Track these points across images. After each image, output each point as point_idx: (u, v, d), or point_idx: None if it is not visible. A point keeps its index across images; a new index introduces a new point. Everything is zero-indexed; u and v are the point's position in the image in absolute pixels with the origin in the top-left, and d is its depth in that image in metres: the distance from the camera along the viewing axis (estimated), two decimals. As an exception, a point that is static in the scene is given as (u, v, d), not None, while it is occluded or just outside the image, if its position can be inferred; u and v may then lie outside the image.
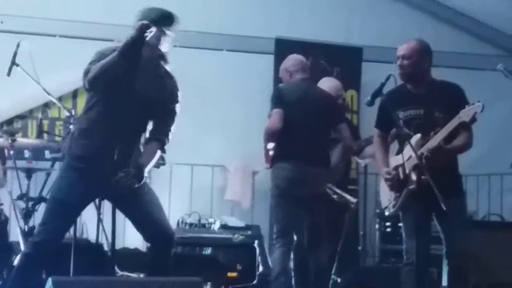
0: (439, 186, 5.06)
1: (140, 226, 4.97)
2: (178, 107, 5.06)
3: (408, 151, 5.34)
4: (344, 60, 8.95)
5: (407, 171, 5.35)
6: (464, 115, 5.13)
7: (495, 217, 8.21)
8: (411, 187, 5.32)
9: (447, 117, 5.27)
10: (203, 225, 7.85)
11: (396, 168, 5.46)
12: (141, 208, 4.90)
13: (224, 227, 7.75)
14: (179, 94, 5.10)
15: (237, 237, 7.42)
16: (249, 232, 7.63)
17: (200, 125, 8.59)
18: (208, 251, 7.67)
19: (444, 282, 5.45)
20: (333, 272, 6.78)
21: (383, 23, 9.12)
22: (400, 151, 5.51)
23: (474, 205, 8.65)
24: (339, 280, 6.84)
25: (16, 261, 5.50)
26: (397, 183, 5.43)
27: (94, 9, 8.27)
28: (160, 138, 4.99)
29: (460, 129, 5.24)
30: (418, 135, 5.34)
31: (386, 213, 5.68)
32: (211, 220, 7.90)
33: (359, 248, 7.56)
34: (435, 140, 5.21)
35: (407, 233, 5.46)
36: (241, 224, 7.82)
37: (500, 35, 9.45)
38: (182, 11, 8.48)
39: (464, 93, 5.47)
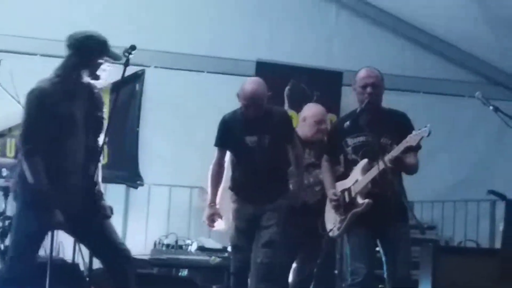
0: (385, 213, 5.24)
1: (99, 251, 5.02)
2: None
3: (354, 175, 5.51)
4: (324, 84, 8.98)
5: (353, 195, 5.50)
6: (411, 140, 5.23)
7: (471, 243, 8.23)
8: (356, 210, 5.45)
9: (393, 143, 5.44)
10: (180, 247, 7.82)
11: (342, 191, 5.61)
12: (99, 233, 4.93)
13: (201, 248, 7.72)
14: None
15: (214, 259, 7.39)
16: (226, 254, 7.60)
17: (179, 147, 8.59)
18: (184, 272, 7.65)
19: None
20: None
21: (364, 48, 9.16)
22: (345, 176, 5.66)
23: (450, 231, 8.71)
24: (314, 302, 6.85)
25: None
26: (342, 206, 5.57)
27: (75, 29, 8.24)
28: (100, 159, 5.07)
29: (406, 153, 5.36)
30: (365, 160, 5.47)
31: (330, 235, 5.78)
32: (188, 241, 7.88)
33: (335, 271, 7.56)
34: (385, 161, 5.27)
35: (353, 255, 5.56)
36: (218, 246, 7.79)
37: (479, 63, 9.52)
38: (164, 32, 8.67)
39: (410, 121, 5.60)
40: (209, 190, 6.26)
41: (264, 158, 6.02)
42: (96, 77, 4.97)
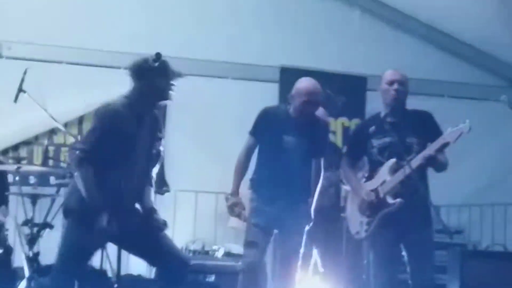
0: (410, 216, 5.23)
1: (157, 261, 5.06)
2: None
3: (381, 176, 5.49)
4: (349, 89, 8.97)
5: (381, 195, 5.46)
6: (449, 136, 5.24)
7: (498, 247, 8.21)
8: (387, 210, 5.41)
9: (420, 142, 5.45)
10: (207, 252, 7.86)
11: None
12: (156, 245, 4.98)
13: (228, 254, 7.75)
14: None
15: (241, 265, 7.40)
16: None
17: (205, 152, 8.62)
18: (211, 278, 7.66)
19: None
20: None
21: (387, 52, 9.14)
22: (370, 178, 5.63)
23: (477, 235, 8.67)
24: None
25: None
26: (371, 207, 5.52)
27: (100, 36, 8.31)
28: (152, 182, 5.12)
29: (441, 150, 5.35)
30: (393, 160, 5.45)
31: (357, 238, 5.72)
32: (214, 247, 7.91)
33: (364, 277, 7.55)
34: (417, 160, 5.28)
35: (376, 261, 5.58)
36: (244, 251, 7.81)
37: (503, 66, 9.49)
38: (188, 39, 8.70)
39: (433, 117, 5.62)
40: (233, 178, 5.97)
41: (296, 161, 5.82)
42: (166, 97, 4.94)
